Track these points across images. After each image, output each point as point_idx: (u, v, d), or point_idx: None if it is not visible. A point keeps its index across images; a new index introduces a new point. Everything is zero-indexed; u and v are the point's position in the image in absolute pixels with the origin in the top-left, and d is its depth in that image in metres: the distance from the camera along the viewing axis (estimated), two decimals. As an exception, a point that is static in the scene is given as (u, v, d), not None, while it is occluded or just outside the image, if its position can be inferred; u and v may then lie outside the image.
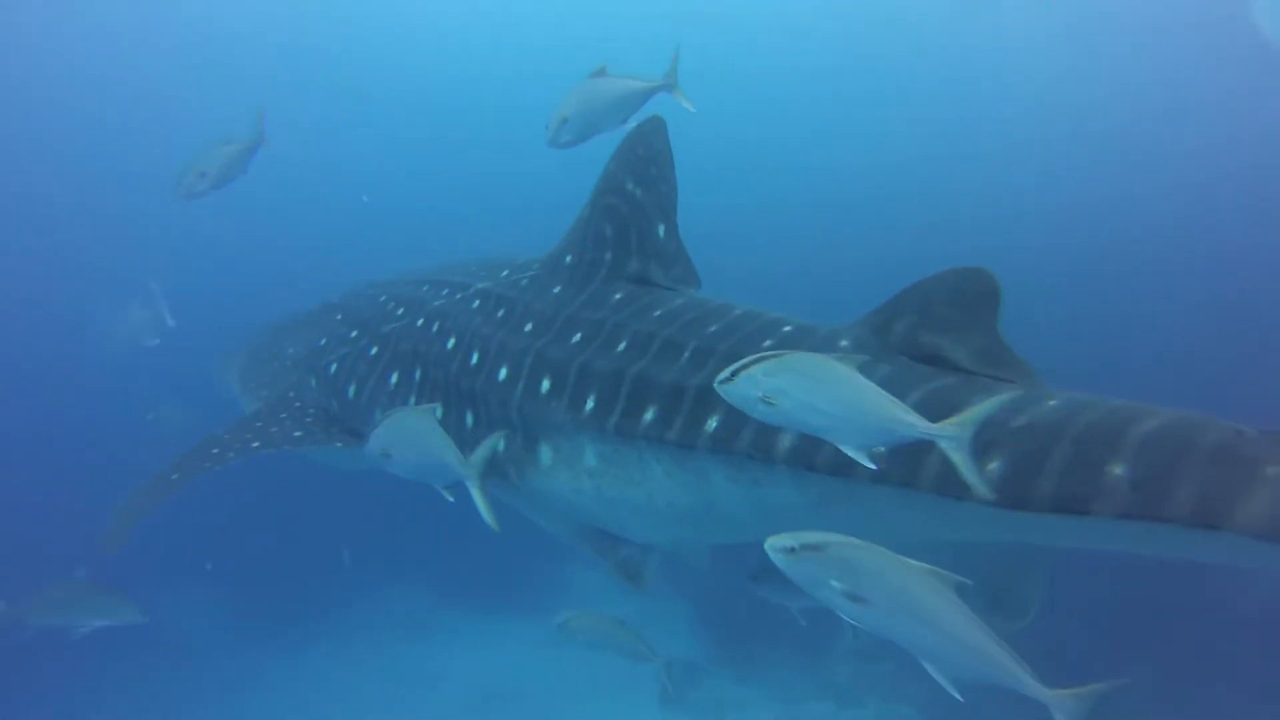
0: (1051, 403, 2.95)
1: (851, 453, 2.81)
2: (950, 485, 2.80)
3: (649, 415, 3.82)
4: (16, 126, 21.74)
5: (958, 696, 2.43)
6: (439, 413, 4.25)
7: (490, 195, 22.04)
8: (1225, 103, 20.31)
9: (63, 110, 22.61)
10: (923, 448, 2.84)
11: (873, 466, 2.83)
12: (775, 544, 2.57)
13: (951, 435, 2.60)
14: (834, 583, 2.48)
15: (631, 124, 4.99)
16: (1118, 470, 2.62)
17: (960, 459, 2.61)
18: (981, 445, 2.73)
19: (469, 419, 4.82)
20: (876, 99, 23.51)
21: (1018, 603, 3.63)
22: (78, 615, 6.24)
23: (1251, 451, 2.49)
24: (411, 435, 4.13)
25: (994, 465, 2.83)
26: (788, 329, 3.84)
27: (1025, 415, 2.91)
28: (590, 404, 4.06)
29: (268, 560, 10.67)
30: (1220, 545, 2.46)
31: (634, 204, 4.53)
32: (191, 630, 7.71)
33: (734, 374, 2.87)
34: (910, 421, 2.66)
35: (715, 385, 2.95)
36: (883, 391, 2.74)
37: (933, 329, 3.36)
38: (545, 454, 4.36)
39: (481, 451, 4.24)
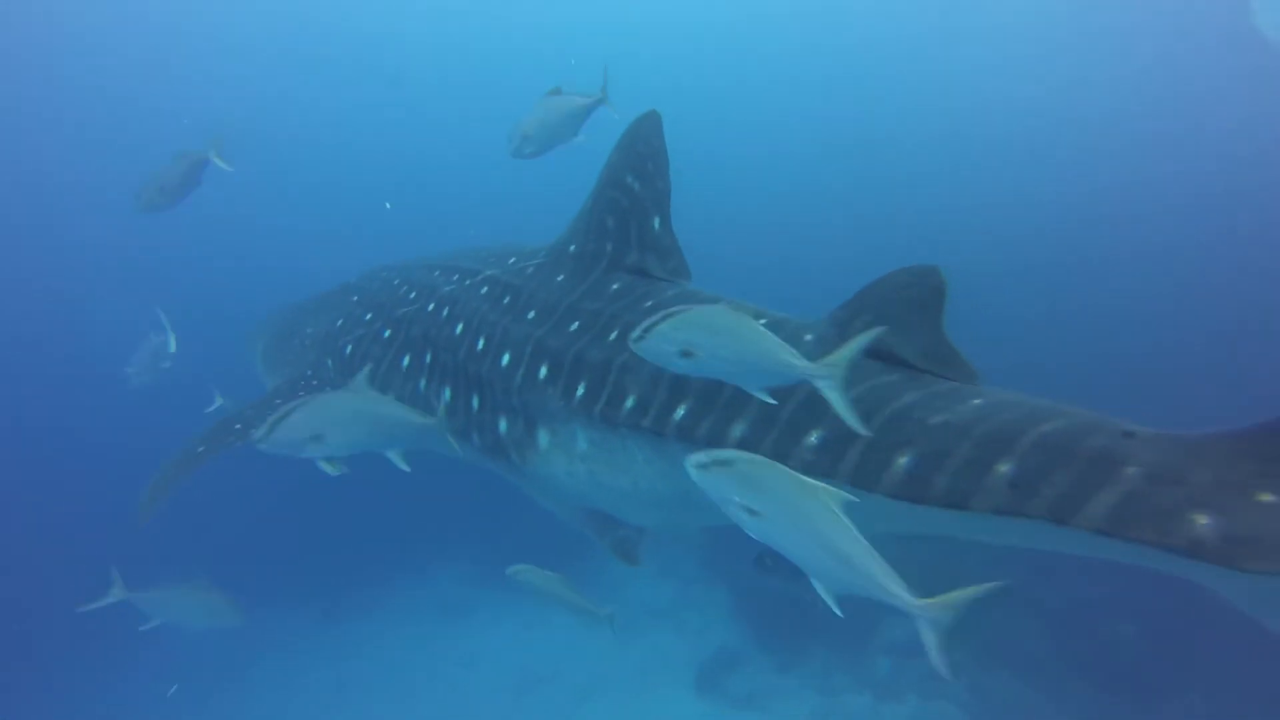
0: (975, 401, 3.06)
1: (754, 392, 3.07)
2: (861, 477, 3.02)
3: (629, 403, 3.95)
4: (51, 115, 22.49)
5: (838, 612, 2.56)
6: (368, 375, 4.36)
7: (500, 183, 22.36)
8: (1224, 103, 20.08)
9: (93, 94, 23.37)
10: (844, 442, 3.09)
11: (772, 402, 3.13)
12: (693, 460, 2.71)
13: (824, 375, 2.84)
14: (735, 496, 2.60)
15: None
16: (1003, 469, 2.75)
17: (835, 396, 2.86)
18: (899, 442, 2.98)
19: (475, 403, 4.95)
20: (857, 95, 23.72)
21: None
22: (193, 616, 6.25)
23: (1124, 453, 2.59)
24: (356, 414, 4.17)
25: (903, 461, 2.96)
26: (762, 322, 3.85)
27: (944, 414, 3.02)
28: (581, 391, 4.20)
29: (308, 537, 10.88)
30: (1075, 541, 2.59)
31: (633, 198, 4.64)
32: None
33: (645, 331, 3.06)
34: (793, 363, 2.88)
35: (630, 344, 3.16)
36: (773, 337, 2.95)
37: (887, 326, 3.39)
38: (543, 438, 4.51)
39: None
